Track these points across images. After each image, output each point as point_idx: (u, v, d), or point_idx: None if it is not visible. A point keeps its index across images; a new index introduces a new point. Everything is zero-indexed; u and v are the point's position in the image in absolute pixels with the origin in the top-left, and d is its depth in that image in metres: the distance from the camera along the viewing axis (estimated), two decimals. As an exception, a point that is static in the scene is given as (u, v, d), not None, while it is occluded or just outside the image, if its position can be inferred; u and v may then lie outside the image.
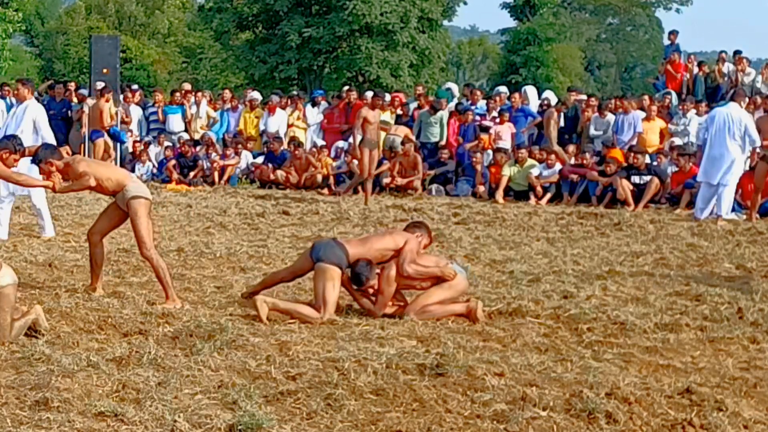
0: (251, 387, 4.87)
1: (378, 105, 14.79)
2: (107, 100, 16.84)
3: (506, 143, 16.50)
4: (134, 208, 7.06)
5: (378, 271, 6.70)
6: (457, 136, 17.17)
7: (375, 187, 16.31)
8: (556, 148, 15.87)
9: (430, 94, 22.49)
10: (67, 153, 8.03)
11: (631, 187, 14.45)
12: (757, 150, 13.14)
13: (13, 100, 19.52)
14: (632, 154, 14.85)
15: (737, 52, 18.69)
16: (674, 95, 17.75)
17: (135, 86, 21.23)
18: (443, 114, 17.20)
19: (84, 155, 15.05)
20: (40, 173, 7.29)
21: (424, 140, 17.03)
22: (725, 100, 15.44)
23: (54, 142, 10.91)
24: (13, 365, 5.22)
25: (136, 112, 19.09)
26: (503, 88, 19.42)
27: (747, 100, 14.00)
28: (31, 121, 10.58)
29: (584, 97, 17.92)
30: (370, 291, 6.70)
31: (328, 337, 6.06)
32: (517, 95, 17.88)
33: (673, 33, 20.96)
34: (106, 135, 16.72)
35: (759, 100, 16.00)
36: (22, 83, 11.04)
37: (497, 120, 17.16)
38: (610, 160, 15.02)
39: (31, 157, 7.30)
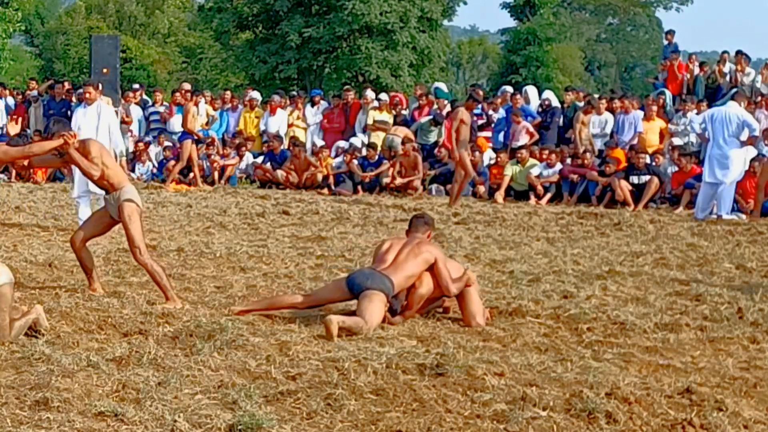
0: (251, 387, 4.86)
1: (473, 107, 14.93)
2: (196, 103, 16.80)
3: (522, 143, 16.49)
4: (128, 212, 6.95)
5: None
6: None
7: (375, 187, 16.33)
8: (581, 149, 15.94)
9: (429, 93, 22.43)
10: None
11: (630, 187, 14.45)
12: (755, 134, 13.09)
13: (11, 100, 19.63)
14: (634, 154, 14.85)
15: (739, 52, 18.65)
16: (668, 94, 17.74)
17: (136, 86, 21.23)
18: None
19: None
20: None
21: (422, 142, 17.03)
22: (725, 99, 15.41)
23: (122, 146, 11.05)
24: (13, 365, 5.22)
25: (136, 112, 19.09)
26: (509, 88, 19.45)
27: (745, 102, 13.95)
28: (106, 124, 10.65)
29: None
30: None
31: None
32: (519, 96, 17.88)
33: (670, 33, 20.94)
34: (192, 138, 16.67)
35: (759, 99, 16.01)
36: (94, 87, 11.15)
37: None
38: (610, 160, 15.02)
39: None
